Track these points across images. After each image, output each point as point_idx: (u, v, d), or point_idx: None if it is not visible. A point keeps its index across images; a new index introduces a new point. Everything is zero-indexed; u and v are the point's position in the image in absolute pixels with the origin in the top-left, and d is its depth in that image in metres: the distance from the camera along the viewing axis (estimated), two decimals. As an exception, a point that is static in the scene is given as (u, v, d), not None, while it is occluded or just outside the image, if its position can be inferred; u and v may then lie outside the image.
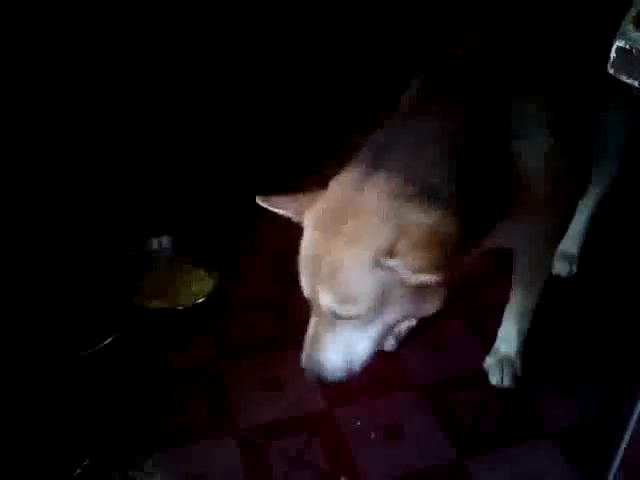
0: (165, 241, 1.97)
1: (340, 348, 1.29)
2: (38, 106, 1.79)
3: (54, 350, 1.67)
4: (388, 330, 1.32)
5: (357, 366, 1.31)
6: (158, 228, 1.97)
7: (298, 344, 1.75)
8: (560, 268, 1.98)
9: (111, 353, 1.69)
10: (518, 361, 1.68)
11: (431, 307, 1.33)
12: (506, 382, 1.66)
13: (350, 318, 1.25)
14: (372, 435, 1.57)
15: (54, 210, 1.82)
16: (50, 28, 1.73)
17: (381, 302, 1.24)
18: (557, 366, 1.73)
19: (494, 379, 1.67)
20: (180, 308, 1.81)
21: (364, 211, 1.21)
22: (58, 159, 1.86)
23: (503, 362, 1.68)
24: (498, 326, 1.73)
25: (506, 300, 1.68)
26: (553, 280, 1.97)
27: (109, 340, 1.68)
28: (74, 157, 1.89)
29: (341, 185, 1.27)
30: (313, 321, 1.31)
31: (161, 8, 1.94)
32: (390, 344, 1.75)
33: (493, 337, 1.74)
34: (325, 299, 1.24)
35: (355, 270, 1.21)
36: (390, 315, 1.27)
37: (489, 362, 1.69)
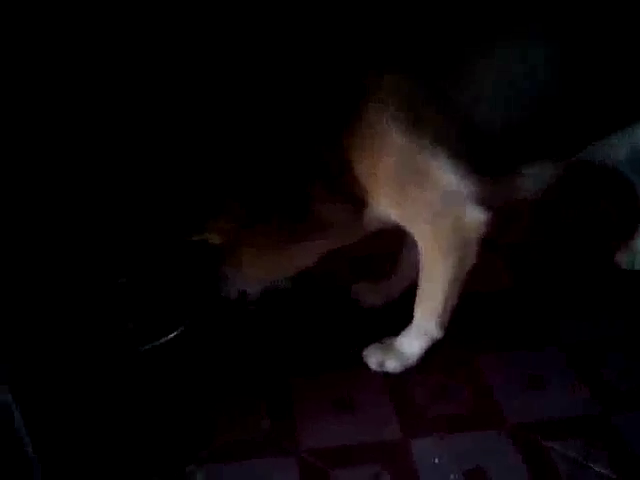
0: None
1: None
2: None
3: (116, 342, 1.55)
4: None
5: None
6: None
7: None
8: None
9: (175, 347, 1.55)
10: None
11: None
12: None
13: None
14: (452, 476, 1.37)
15: (126, 190, 1.69)
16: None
17: None
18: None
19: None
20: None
21: None
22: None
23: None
24: (602, 363, 1.57)
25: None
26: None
27: (174, 334, 1.54)
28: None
29: None
30: None
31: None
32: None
33: (597, 375, 1.55)
34: None
35: None
36: None
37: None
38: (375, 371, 1.57)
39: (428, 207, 1.43)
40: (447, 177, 1.39)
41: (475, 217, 1.43)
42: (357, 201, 1.46)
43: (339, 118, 1.40)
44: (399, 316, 1.59)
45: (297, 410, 1.50)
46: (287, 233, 1.48)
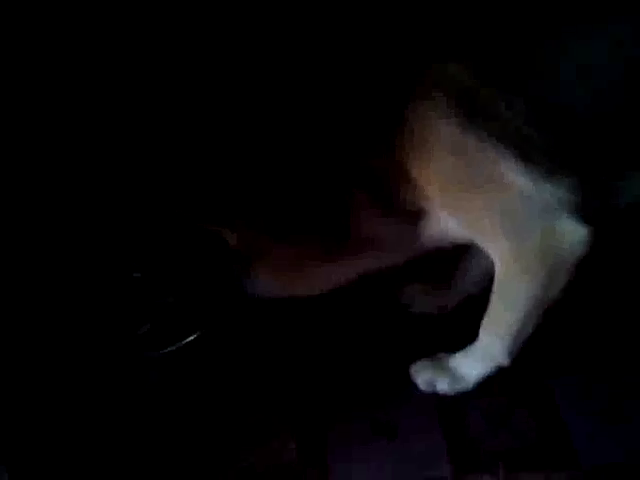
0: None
1: None
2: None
3: (125, 345, 1.37)
4: None
5: None
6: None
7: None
8: None
9: (191, 354, 1.37)
10: None
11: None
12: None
13: None
14: (508, 528, 1.14)
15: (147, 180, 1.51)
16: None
17: None
18: None
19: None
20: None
21: None
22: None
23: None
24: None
25: None
26: None
27: (190, 338, 1.35)
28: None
29: None
30: None
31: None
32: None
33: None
34: None
35: None
36: None
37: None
38: (424, 392, 1.35)
39: (504, 217, 1.18)
40: (520, 180, 1.13)
41: (572, 233, 1.15)
42: (409, 211, 1.23)
43: (387, 113, 1.18)
44: (457, 329, 1.36)
45: (329, 434, 1.29)
46: (314, 251, 1.26)
